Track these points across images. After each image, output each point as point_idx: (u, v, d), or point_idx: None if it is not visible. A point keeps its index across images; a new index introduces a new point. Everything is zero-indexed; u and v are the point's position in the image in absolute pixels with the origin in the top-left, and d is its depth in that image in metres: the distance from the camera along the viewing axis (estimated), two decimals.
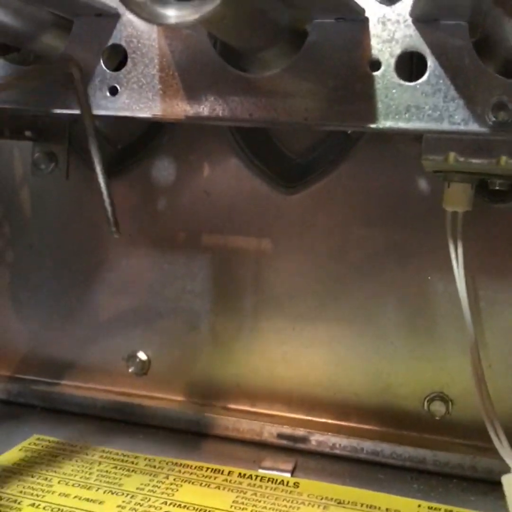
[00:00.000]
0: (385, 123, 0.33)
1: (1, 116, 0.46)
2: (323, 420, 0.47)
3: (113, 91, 0.37)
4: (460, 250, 0.39)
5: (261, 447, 0.45)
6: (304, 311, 0.47)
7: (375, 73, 0.33)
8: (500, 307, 0.44)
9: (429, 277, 0.45)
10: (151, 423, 0.47)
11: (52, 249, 0.52)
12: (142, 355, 0.50)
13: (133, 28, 0.36)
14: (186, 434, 0.46)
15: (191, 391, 0.49)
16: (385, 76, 0.33)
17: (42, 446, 0.43)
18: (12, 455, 0.42)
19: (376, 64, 0.33)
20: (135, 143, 0.50)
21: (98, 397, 0.49)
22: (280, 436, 0.45)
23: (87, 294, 0.51)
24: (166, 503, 0.37)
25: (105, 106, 0.37)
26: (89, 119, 0.37)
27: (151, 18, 0.26)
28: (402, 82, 0.33)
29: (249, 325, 0.48)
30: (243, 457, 0.43)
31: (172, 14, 0.25)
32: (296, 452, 0.44)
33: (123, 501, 0.37)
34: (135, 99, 0.36)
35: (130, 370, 0.50)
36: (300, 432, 0.45)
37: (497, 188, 0.40)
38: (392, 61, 0.33)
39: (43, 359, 0.52)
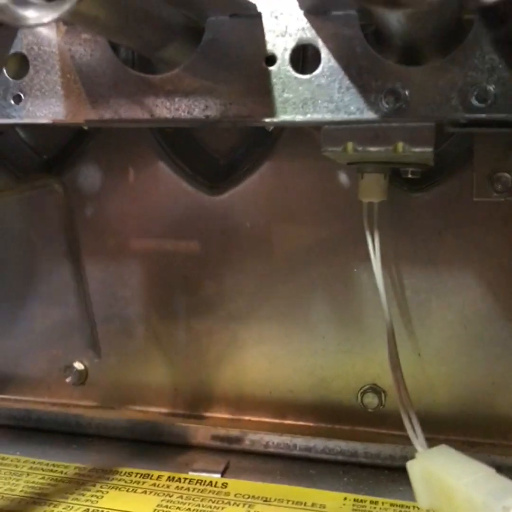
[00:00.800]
0: (283, 117, 0.33)
1: None
2: (260, 419, 0.47)
3: (17, 99, 0.37)
4: (377, 240, 0.39)
5: (195, 450, 0.44)
6: (236, 311, 0.47)
7: (271, 68, 0.33)
8: (426, 295, 0.44)
9: (354, 270, 0.45)
10: (86, 432, 0.47)
11: None
12: (78, 365, 0.49)
13: (33, 35, 0.36)
14: (121, 442, 0.46)
15: (128, 398, 0.49)
16: (281, 70, 0.33)
17: None
18: None
19: (271, 59, 0.33)
20: (60, 152, 0.50)
21: (33, 409, 0.48)
22: (214, 437, 0.45)
23: (21, 306, 0.51)
24: (88, 510, 0.36)
25: (10, 115, 0.37)
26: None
27: (13, 21, 0.26)
28: (297, 75, 0.33)
29: (183, 327, 0.48)
30: (176, 461, 0.43)
31: (31, 15, 0.25)
32: (230, 453, 0.44)
33: (45, 511, 0.36)
34: (39, 106, 0.36)
35: (67, 381, 0.49)
36: (234, 432, 0.45)
37: (410, 176, 0.40)
38: (287, 55, 0.33)
39: None
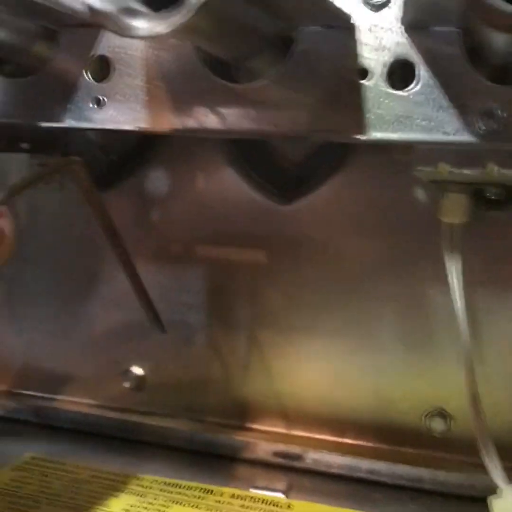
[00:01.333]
0: (374, 135, 0.32)
1: None
2: (320, 436, 0.46)
3: (98, 103, 0.36)
4: (456, 263, 0.38)
5: (255, 465, 0.44)
6: (300, 325, 0.46)
7: (364, 82, 0.32)
8: (500, 319, 0.42)
9: (426, 288, 0.43)
10: (145, 440, 0.46)
11: (48, 263, 0.52)
12: (137, 370, 0.49)
13: (119, 38, 0.35)
14: (180, 452, 0.45)
15: (187, 407, 0.48)
16: (375, 85, 0.32)
17: (35, 465, 0.42)
18: (3, 475, 0.41)
19: (365, 73, 0.32)
20: (129, 153, 0.49)
21: (92, 413, 0.48)
22: (275, 454, 0.44)
23: (82, 308, 0.51)
24: None
25: (91, 118, 0.36)
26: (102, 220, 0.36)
27: (120, 31, 0.25)
28: (392, 91, 0.31)
29: (245, 338, 0.47)
30: (236, 476, 0.42)
31: (142, 26, 0.24)
32: (291, 471, 0.43)
33: None
34: (121, 111, 0.35)
35: (125, 385, 0.49)
36: (296, 450, 0.44)
37: (493, 197, 0.38)
38: (382, 70, 0.32)
39: (39, 374, 0.52)
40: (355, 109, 0.32)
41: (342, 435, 0.45)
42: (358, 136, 0.32)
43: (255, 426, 0.47)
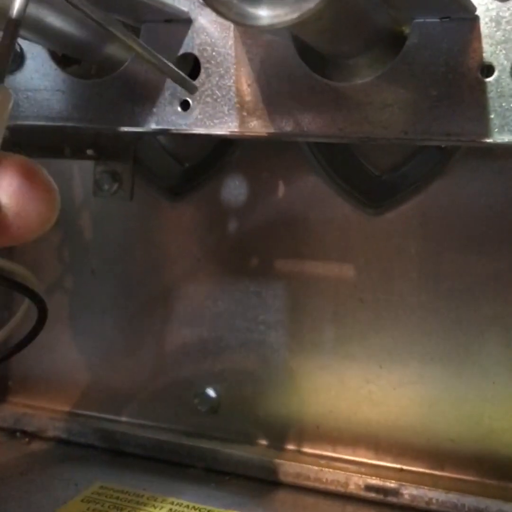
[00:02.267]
0: (501, 138, 0.28)
1: (62, 134, 0.42)
2: (415, 468, 0.42)
3: (185, 106, 0.33)
4: None
5: (347, 500, 0.40)
6: (392, 347, 0.42)
7: (487, 80, 0.28)
8: None
9: None
10: (224, 469, 0.43)
11: (115, 275, 0.49)
12: (211, 392, 0.46)
13: (207, 34, 0.32)
14: (262, 483, 0.42)
15: (266, 433, 0.45)
16: (500, 83, 0.28)
17: (106, 496, 0.39)
18: (73, 506, 0.38)
19: (488, 69, 0.28)
20: (204, 160, 0.46)
21: (165, 439, 0.45)
22: (368, 488, 0.40)
23: (152, 323, 0.48)
24: None
25: (176, 123, 0.33)
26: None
27: (241, 19, 0.22)
28: None
29: (329, 361, 0.44)
30: (326, 511, 0.39)
31: (265, 14, 0.21)
32: (386, 507, 0.39)
33: None
34: (209, 114, 0.32)
35: (198, 408, 0.46)
36: (391, 484, 0.40)
37: None
38: (508, 65, 0.28)
39: (105, 394, 0.49)
40: (477, 110, 0.29)
41: (440, 468, 0.41)
42: (482, 140, 0.29)
43: (343, 456, 0.43)
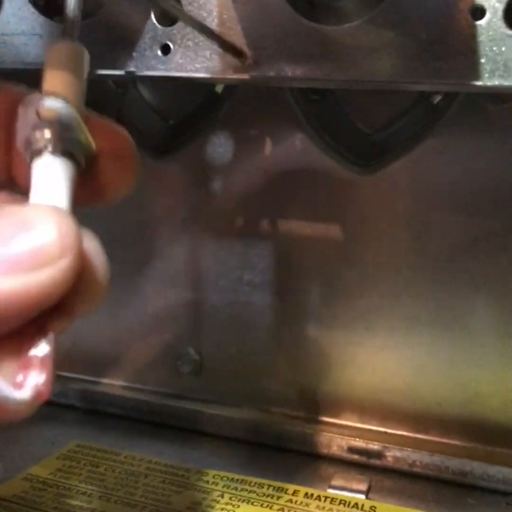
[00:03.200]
0: (491, 81, 0.27)
1: (40, 80, 0.41)
2: (400, 432, 0.41)
3: (166, 50, 0.31)
4: None
5: (330, 462, 0.39)
6: (379, 309, 0.41)
7: (478, 23, 0.27)
8: None
9: None
10: (204, 430, 0.42)
11: (99, 235, 0.47)
12: (193, 354, 0.45)
13: None
14: (244, 444, 0.41)
15: (249, 396, 0.44)
16: (491, 26, 0.27)
17: (82, 454, 0.38)
18: (49, 464, 0.37)
19: (479, 12, 0.27)
20: (188, 117, 0.45)
21: (145, 399, 0.44)
22: (351, 450, 0.39)
23: (135, 284, 0.47)
24: None
25: (156, 67, 0.32)
26: None
27: None
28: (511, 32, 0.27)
29: (314, 322, 0.43)
30: (310, 473, 0.38)
31: None
32: (369, 469, 0.39)
33: None
34: (191, 59, 0.31)
35: (180, 370, 0.45)
36: (375, 446, 0.39)
37: None
38: (499, 8, 0.27)
39: (85, 356, 0.48)
40: (467, 53, 0.28)
41: (425, 432, 0.41)
42: (472, 83, 0.28)
43: (327, 419, 0.42)
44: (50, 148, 0.20)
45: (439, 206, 0.40)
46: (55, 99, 0.20)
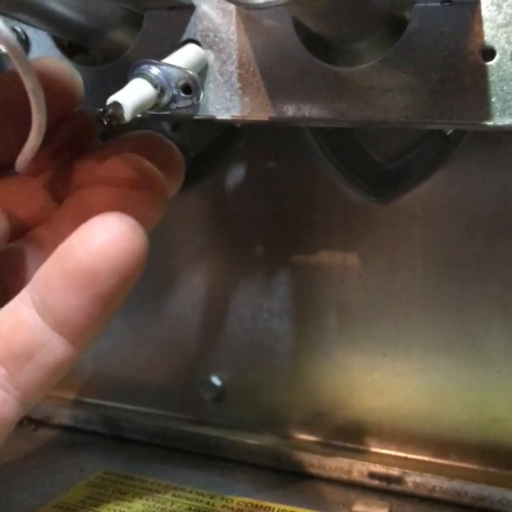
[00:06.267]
0: (502, 121, 0.28)
1: None
2: (419, 457, 0.42)
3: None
4: None
5: (350, 488, 0.40)
6: (396, 335, 0.42)
7: (488, 63, 0.28)
8: None
9: None
10: (228, 457, 0.43)
11: None
12: (215, 380, 0.46)
13: (209, 21, 0.32)
14: (266, 471, 0.42)
15: (270, 421, 0.45)
16: (501, 66, 0.28)
17: (110, 481, 0.39)
18: (78, 491, 0.38)
19: (490, 53, 0.28)
20: (209, 150, 0.46)
21: (169, 426, 0.45)
22: (372, 475, 0.40)
23: (156, 312, 0.48)
24: None
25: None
26: None
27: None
28: None
29: (333, 349, 0.44)
30: (331, 499, 0.39)
31: None
32: (390, 494, 0.39)
33: None
34: (212, 100, 0.32)
35: (203, 396, 0.46)
36: (395, 471, 0.40)
37: None
38: (509, 49, 0.28)
39: (110, 382, 0.49)
40: (478, 93, 0.29)
41: (444, 456, 0.41)
42: (483, 123, 0.29)
43: (347, 444, 0.43)
44: None
45: (453, 235, 0.41)
46: None
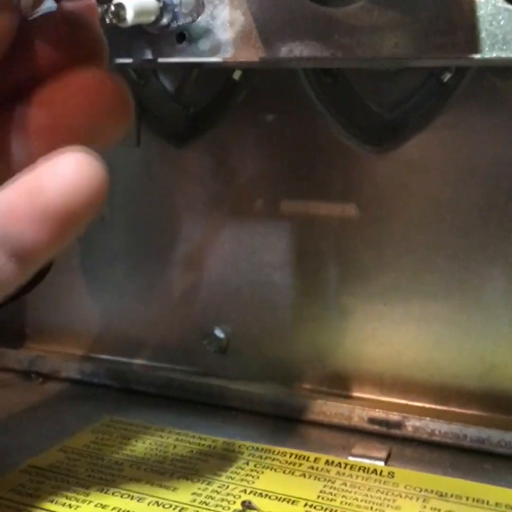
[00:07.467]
0: (491, 54, 0.28)
1: None
2: (419, 404, 0.42)
3: (181, 38, 0.33)
4: None
5: (351, 433, 0.40)
6: (395, 285, 0.42)
7: None
8: None
9: None
10: (231, 405, 0.44)
11: (124, 222, 0.50)
12: (219, 333, 0.46)
13: None
14: (268, 418, 0.42)
15: (273, 372, 0.45)
16: (489, 1, 0.28)
17: (115, 428, 0.40)
18: (83, 437, 0.39)
19: None
20: (208, 105, 0.46)
21: (175, 377, 0.46)
22: (372, 420, 0.41)
23: (160, 268, 0.49)
24: (245, 491, 0.33)
25: (171, 54, 0.33)
26: None
27: None
28: (509, 6, 0.28)
29: (334, 300, 0.44)
30: (331, 443, 0.39)
31: None
32: (389, 439, 0.40)
33: (199, 488, 0.33)
34: (204, 43, 0.33)
35: (207, 349, 0.46)
36: (394, 416, 0.40)
37: None
38: None
39: (117, 338, 0.50)
40: (467, 29, 0.29)
41: (444, 403, 0.42)
42: (472, 56, 0.29)
43: (348, 392, 0.44)
44: None
45: (452, 183, 0.41)
46: None
